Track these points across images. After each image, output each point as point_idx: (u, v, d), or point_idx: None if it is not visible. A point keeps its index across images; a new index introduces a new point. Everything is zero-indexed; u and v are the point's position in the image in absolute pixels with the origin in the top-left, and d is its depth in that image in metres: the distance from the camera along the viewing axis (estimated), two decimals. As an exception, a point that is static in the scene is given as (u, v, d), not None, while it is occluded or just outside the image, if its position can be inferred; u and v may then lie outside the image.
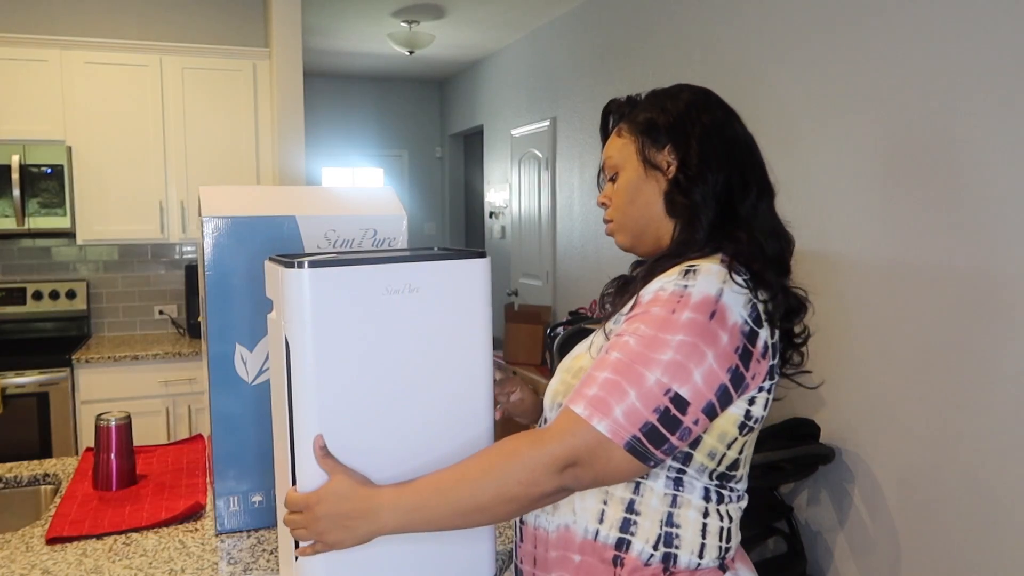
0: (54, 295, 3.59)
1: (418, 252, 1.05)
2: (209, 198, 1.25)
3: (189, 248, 3.87)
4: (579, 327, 3.44)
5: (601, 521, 0.98)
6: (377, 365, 0.96)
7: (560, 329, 3.63)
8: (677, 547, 0.97)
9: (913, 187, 2.21)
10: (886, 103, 2.29)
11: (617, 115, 1.14)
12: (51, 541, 1.25)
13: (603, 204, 1.13)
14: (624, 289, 1.14)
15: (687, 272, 0.93)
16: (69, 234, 3.41)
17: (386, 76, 6.45)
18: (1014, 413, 1.96)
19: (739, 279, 0.93)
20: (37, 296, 3.56)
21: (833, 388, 2.52)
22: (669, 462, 0.96)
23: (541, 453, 0.89)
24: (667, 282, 0.94)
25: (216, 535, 1.28)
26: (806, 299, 1.03)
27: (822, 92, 2.52)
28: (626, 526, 0.97)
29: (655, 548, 0.96)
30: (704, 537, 0.98)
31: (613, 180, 1.11)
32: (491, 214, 5.74)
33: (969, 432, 2.08)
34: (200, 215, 1.24)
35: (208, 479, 1.53)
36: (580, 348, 1.09)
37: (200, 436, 1.83)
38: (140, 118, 3.44)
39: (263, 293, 1.23)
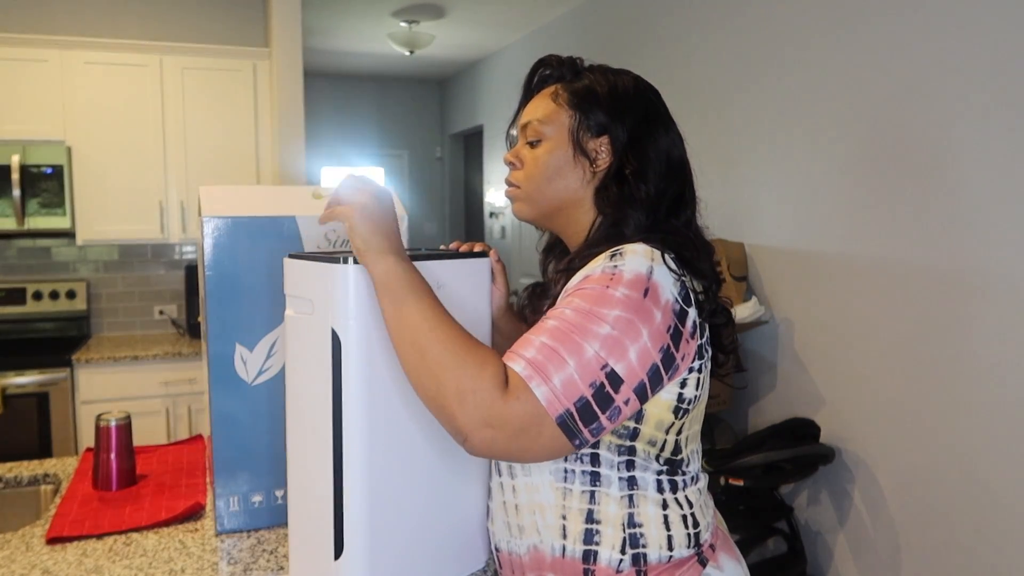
0: (54, 295, 3.58)
1: (431, 252, 1.06)
2: (209, 198, 1.25)
3: (189, 248, 3.86)
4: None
5: (565, 536, 0.96)
6: None
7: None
8: (644, 546, 0.95)
9: (909, 187, 2.21)
10: (872, 104, 2.29)
11: (555, 74, 1.08)
12: (51, 541, 1.25)
13: (511, 164, 1.08)
14: (542, 294, 1.12)
15: (614, 255, 0.91)
16: (69, 234, 3.41)
17: (386, 76, 6.45)
18: (1014, 412, 1.96)
19: (667, 257, 0.92)
20: (37, 296, 3.56)
21: (833, 388, 2.52)
22: (616, 460, 0.94)
23: (491, 392, 0.84)
24: (595, 266, 0.92)
25: (216, 535, 1.28)
26: (730, 310, 1.04)
27: (818, 91, 2.52)
28: (590, 537, 0.95)
29: (623, 552, 0.94)
30: (668, 529, 0.96)
31: (532, 145, 1.05)
32: (491, 214, 5.74)
33: (969, 431, 2.08)
34: (200, 215, 1.24)
35: (208, 479, 1.53)
36: None
37: (200, 436, 1.83)
38: (140, 118, 3.44)
39: (263, 293, 1.23)
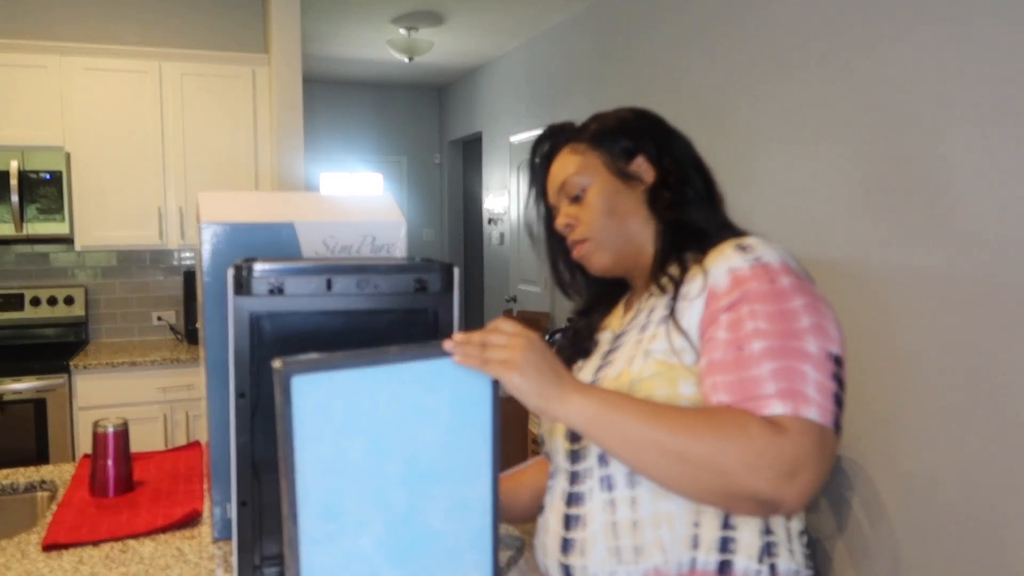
0: (52, 301, 3.58)
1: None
2: (207, 204, 1.25)
3: (187, 254, 3.86)
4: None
5: (696, 547, 0.88)
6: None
7: (558, 335, 3.62)
8: (776, 555, 0.89)
9: (909, 194, 2.21)
10: (876, 113, 2.29)
11: (560, 138, 1.13)
12: (47, 548, 1.25)
13: (568, 226, 1.07)
14: (576, 340, 1.12)
15: (743, 248, 0.91)
16: (67, 240, 3.41)
17: (385, 82, 6.46)
18: (1014, 420, 1.96)
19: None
20: (35, 302, 3.56)
21: (832, 395, 2.52)
22: None
23: (774, 443, 0.79)
24: (732, 263, 0.90)
25: (213, 542, 1.28)
26: None
27: (818, 100, 2.53)
28: (725, 545, 0.88)
29: (760, 561, 0.88)
30: (790, 542, 0.91)
31: (577, 199, 1.07)
32: (490, 220, 5.74)
33: (969, 439, 2.08)
34: (198, 221, 1.24)
35: (206, 486, 1.52)
36: (618, 368, 0.97)
37: (198, 443, 1.83)
38: (139, 124, 3.44)
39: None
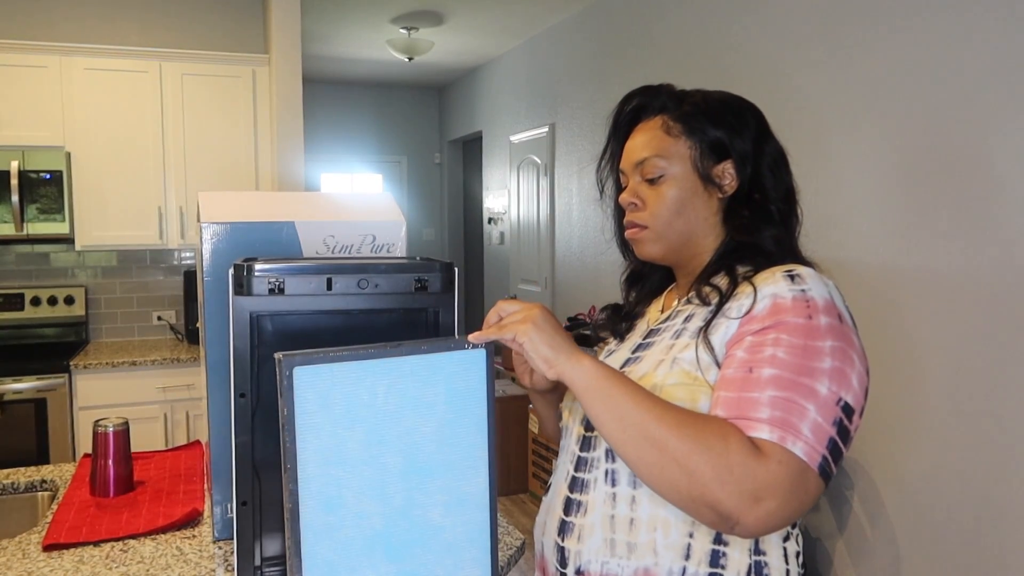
0: (52, 301, 3.58)
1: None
2: (208, 204, 1.25)
3: (188, 254, 3.86)
4: (578, 333, 3.43)
5: (688, 557, 0.89)
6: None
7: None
8: (768, 575, 0.90)
9: (920, 192, 2.21)
10: (910, 110, 2.29)
11: (654, 100, 1.06)
12: (48, 548, 1.25)
13: (633, 204, 1.04)
14: (622, 316, 1.11)
15: (792, 277, 0.90)
16: (68, 240, 3.41)
17: (385, 82, 6.46)
18: (1016, 420, 1.96)
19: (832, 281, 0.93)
20: (35, 302, 3.56)
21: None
22: None
23: (748, 463, 0.80)
24: (777, 289, 0.89)
25: (214, 542, 1.28)
26: None
27: (826, 101, 2.52)
28: (716, 559, 0.89)
29: None
30: (787, 562, 0.91)
31: (652, 182, 1.02)
32: (490, 220, 5.74)
33: (970, 440, 2.07)
34: (199, 221, 1.24)
35: (206, 485, 1.52)
36: (644, 368, 0.98)
37: (198, 442, 1.83)
38: (139, 124, 3.44)
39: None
